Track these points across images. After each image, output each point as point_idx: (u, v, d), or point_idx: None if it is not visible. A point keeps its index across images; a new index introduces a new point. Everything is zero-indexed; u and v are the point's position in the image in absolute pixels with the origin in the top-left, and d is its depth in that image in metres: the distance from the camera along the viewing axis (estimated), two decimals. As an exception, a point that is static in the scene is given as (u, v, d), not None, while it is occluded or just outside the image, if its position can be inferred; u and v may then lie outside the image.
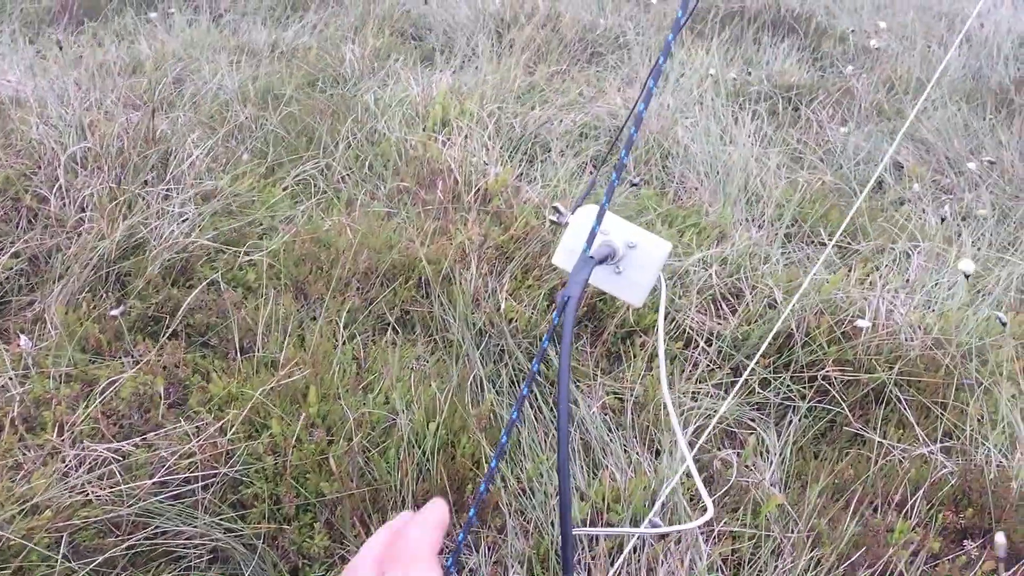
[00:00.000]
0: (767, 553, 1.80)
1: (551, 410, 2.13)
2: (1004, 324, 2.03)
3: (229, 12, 4.67)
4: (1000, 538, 1.47)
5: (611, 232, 0.72)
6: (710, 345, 2.36)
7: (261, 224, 2.59)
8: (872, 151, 3.76)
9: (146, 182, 2.60)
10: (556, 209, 0.88)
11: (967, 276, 2.19)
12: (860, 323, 2.19)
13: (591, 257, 0.65)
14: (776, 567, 1.77)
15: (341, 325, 2.22)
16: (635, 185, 2.79)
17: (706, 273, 2.56)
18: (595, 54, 4.45)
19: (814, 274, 2.51)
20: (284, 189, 2.80)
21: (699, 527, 1.85)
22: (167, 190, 2.56)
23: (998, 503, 1.89)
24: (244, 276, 2.36)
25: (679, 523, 1.81)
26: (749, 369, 2.17)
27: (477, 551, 1.81)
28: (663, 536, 1.73)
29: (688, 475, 2.00)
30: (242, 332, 2.19)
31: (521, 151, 3.20)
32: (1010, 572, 1.78)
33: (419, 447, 1.94)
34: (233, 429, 1.91)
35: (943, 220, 2.40)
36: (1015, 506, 1.90)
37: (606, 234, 0.72)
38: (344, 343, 2.21)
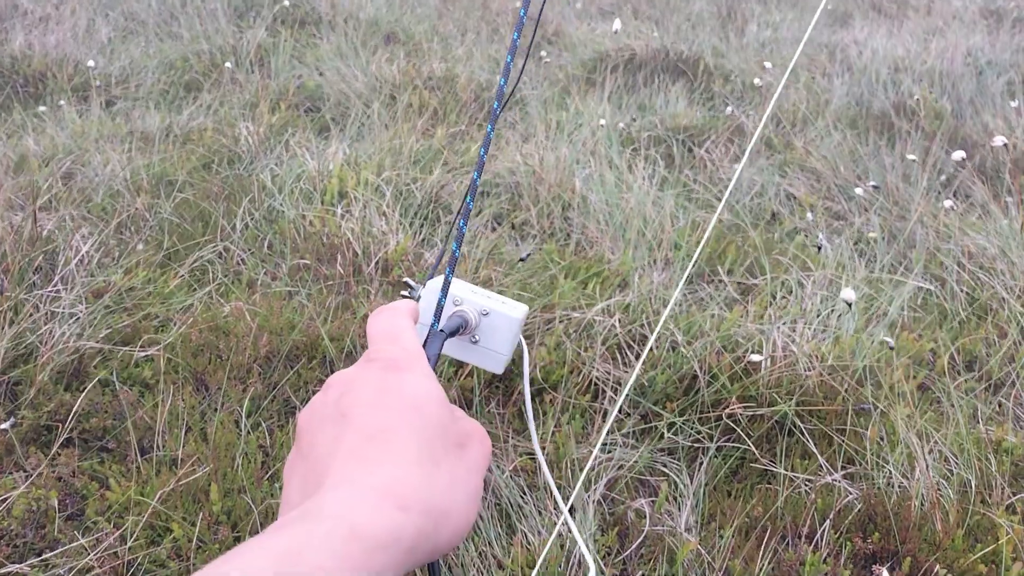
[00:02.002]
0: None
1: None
2: (892, 348, 2.11)
3: (121, 99, 4.62)
4: (883, 573, 1.51)
5: (464, 302, 0.72)
6: (617, 394, 2.38)
7: (157, 317, 2.54)
8: (765, 184, 3.89)
9: (33, 284, 2.53)
10: (407, 284, 0.88)
11: (849, 305, 2.27)
12: (754, 357, 2.25)
13: (441, 331, 0.65)
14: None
15: (243, 414, 2.18)
16: (523, 260, 2.83)
17: (609, 322, 2.60)
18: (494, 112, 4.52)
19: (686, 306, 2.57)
20: (180, 278, 2.76)
21: (615, 583, 1.85)
22: (55, 291, 2.50)
23: (901, 525, 1.94)
24: (140, 373, 2.31)
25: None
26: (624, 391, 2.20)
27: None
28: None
29: (603, 530, 2.00)
30: (140, 432, 2.13)
31: (421, 216, 3.22)
32: (918, 592, 1.83)
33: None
34: (134, 537, 1.85)
35: (819, 249, 2.49)
36: (917, 525, 1.95)
37: (459, 304, 0.72)
38: (248, 432, 2.17)
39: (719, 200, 3.74)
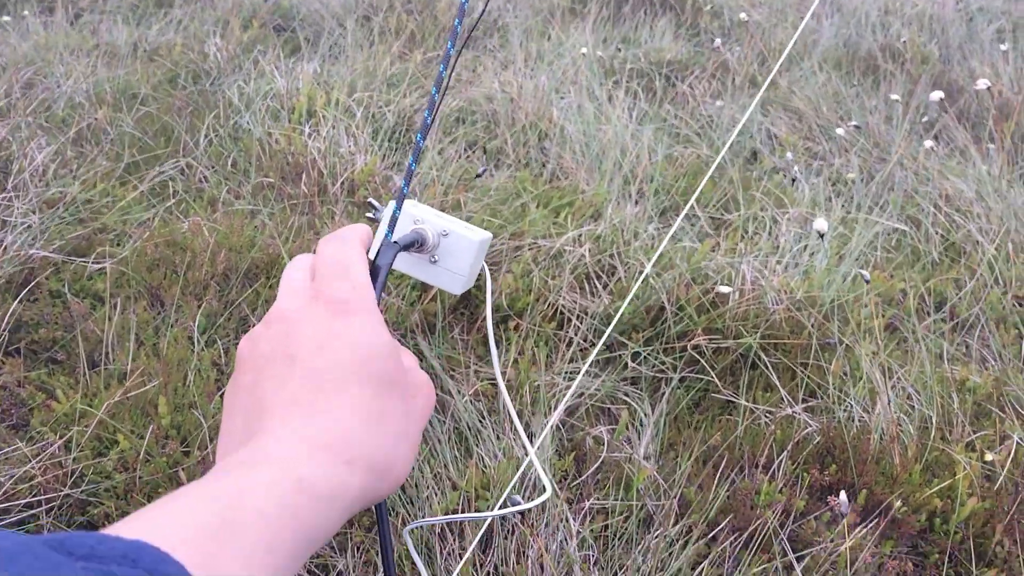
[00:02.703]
0: (634, 525, 1.80)
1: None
2: (867, 281, 2.07)
3: (88, 11, 4.45)
4: (842, 496, 1.50)
5: (425, 222, 0.70)
6: (582, 323, 2.35)
7: (113, 230, 2.46)
8: (747, 122, 3.82)
9: (-16, 193, 2.45)
10: (371, 205, 0.83)
11: (821, 235, 2.23)
12: (722, 289, 2.21)
13: (395, 243, 0.64)
14: (646, 539, 1.77)
15: (197, 330, 2.12)
16: (479, 175, 2.76)
17: (579, 251, 2.55)
18: (472, 38, 4.40)
19: (666, 242, 2.53)
20: (139, 192, 2.68)
21: (569, 506, 1.83)
22: (7, 199, 2.41)
23: (859, 458, 1.93)
24: (93, 286, 2.24)
25: (545, 505, 1.79)
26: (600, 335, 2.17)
27: (344, 553, 1.75)
28: (522, 517, 1.71)
29: (560, 455, 1.98)
30: (91, 345, 2.07)
31: (392, 139, 3.13)
32: (867, 521, 1.82)
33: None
34: (79, 447, 1.81)
35: (793, 181, 2.44)
36: (875, 459, 1.94)
37: (420, 222, 0.70)
38: (202, 349, 2.12)
39: (698, 136, 3.68)
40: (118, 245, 2.42)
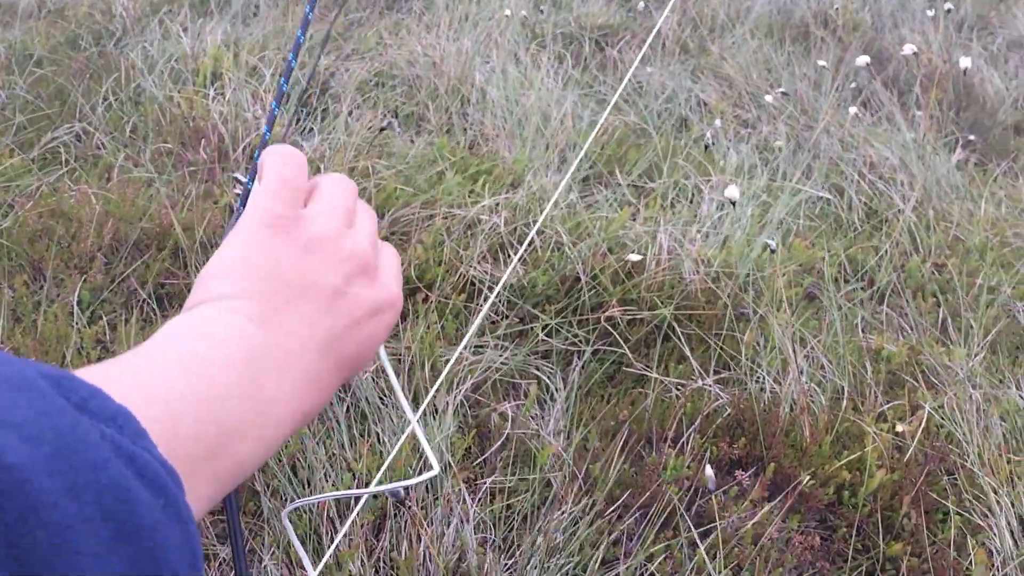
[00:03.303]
0: (535, 503, 1.73)
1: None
2: (773, 251, 2.02)
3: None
4: (708, 471, 1.45)
5: None
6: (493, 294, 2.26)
7: (-7, 200, 2.30)
8: (676, 89, 3.75)
9: None
10: (236, 180, 0.75)
11: (733, 203, 2.17)
12: (632, 257, 2.15)
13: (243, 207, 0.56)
14: (547, 517, 1.70)
15: (77, 304, 1.99)
16: (382, 130, 2.66)
17: (494, 220, 2.46)
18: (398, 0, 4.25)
19: (555, 194, 2.45)
20: (28, 160, 2.51)
21: (467, 486, 1.76)
22: None
23: (768, 430, 1.89)
24: (-33, 259, 2.09)
25: (440, 485, 1.71)
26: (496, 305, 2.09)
27: (226, 542, 1.66)
28: (413, 500, 1.63)
29: (462, 432, 1.91)
30: (-39, 322, 1.93)
31: (303, 102, 3.00)
32: (780, 498, 1.78)
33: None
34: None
35: (707, 147, 2.38)
36: (784, 431, 1.90)
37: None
38: (85, 326, 1.99)
39: (627, 103, 3.60)
40: (3, 216, 2.26)
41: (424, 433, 1.77)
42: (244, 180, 0.80)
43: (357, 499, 1.49)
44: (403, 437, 1.60)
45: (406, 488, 1.63)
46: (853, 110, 3.16)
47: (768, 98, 3.58)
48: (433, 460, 0.69)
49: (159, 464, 0.29)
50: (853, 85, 3.79)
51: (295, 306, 0.41)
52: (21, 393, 0.27)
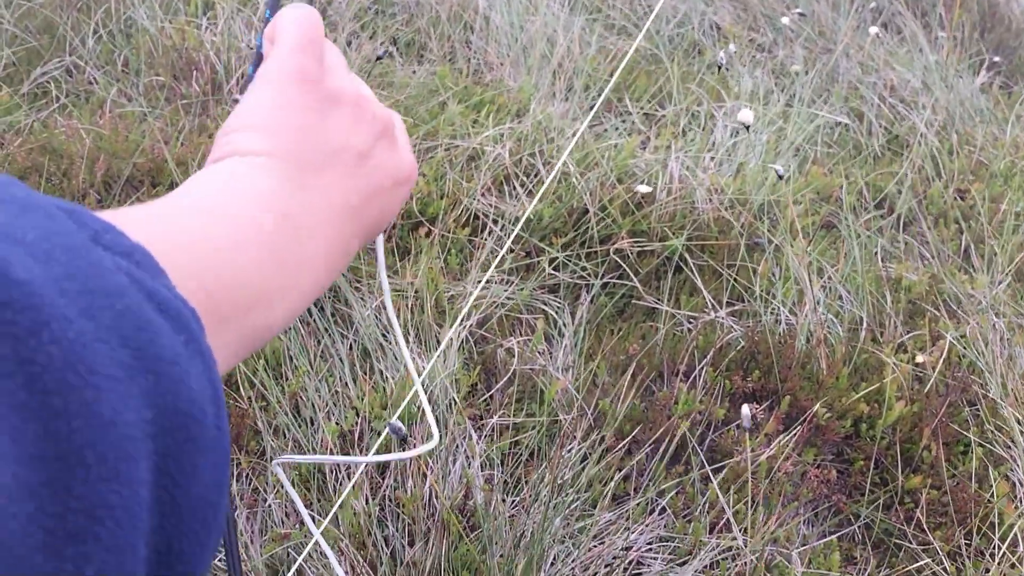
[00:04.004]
0: (543, 440, 1.69)
1: (324, 314, 1.94)
2: (780, 177, 1.94)
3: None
4: (745, 409, 1.39)
5: None
6: (500, 228, 2.19)
7: (-18, 137, 2.23)
8: (688, 12, 3.60)
9: None
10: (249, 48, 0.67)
11: (747, 128, 2.08)
12: (641, 188, 2.06)
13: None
14: (554, 453, 1.66)
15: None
16: (380, 58, 2.56)
17: (498, 151, 2.37)
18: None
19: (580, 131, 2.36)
20: (22, 96, 2.43)
21: (473, 423, 1.71)
22: None
23: (783, 363, 1.83)
24: (-45, 198, 2.03)
25: (447, 422, 1.66)
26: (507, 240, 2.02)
27: (233, 480, 1.62)
28: (407, 437, 1.58)
29: (468, 368, 1.86)
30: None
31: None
32: (792, 429, 1.73)
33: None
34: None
35: (720, 68, 2.28)
36: (800, 363, 1.84)
37: None
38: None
39: (637, 28, 3.46)
40: (-12, 153, 2.19)
41: (421, 390, 1.72)
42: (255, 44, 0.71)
43: (342, 461, 1.45)
44: (406, 400, 1.55)
45: (405, 439, 1.59)
46: (874, 30, 3.03)
47: (784, 20, 3.43)
48: (435, 428, 0.64)
49: (180, 302, 0.26)
50: (873, 5, 3.63)
51: (326, 169, 0.40)
52: (29, 212, 0.25)
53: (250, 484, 1.64)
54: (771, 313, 1.98)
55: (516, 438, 1.71)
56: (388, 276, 2.08)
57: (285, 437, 1.68)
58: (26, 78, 2.54)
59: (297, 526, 1.55)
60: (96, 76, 2.62)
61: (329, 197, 0.39)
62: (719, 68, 2.14)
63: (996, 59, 3.42)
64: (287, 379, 1.78)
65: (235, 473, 1.64)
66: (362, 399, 1.74)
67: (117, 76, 2.63)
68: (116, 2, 2.88)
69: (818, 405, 1.72)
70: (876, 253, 2.28)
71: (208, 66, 2.41)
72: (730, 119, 2.71)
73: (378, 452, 1.63)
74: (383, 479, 1.63)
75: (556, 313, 2.04)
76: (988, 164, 2.65)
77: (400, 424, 1.51)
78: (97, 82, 2.61)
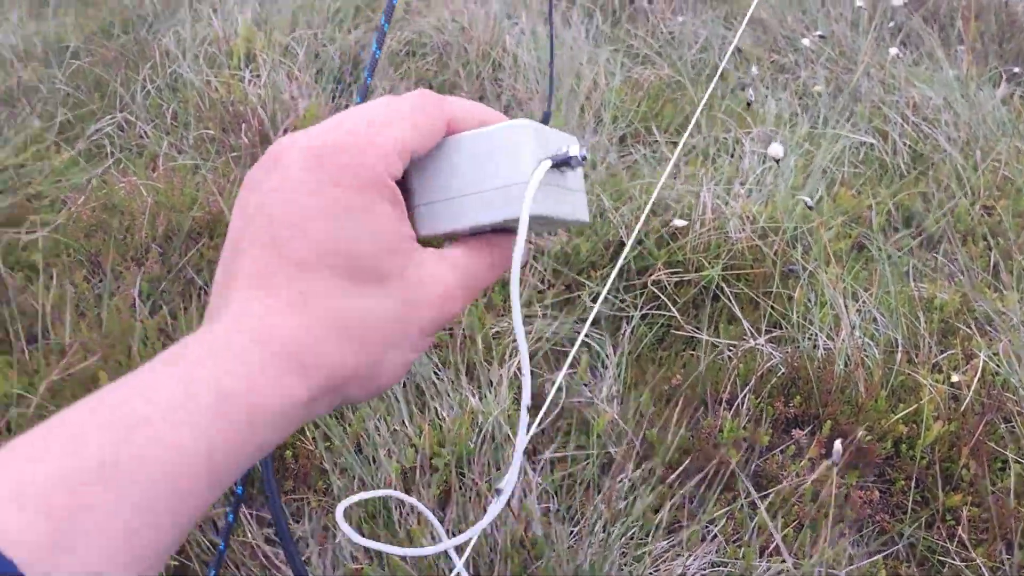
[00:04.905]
0: (595, 471, 1.77)
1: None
2: (811, 208, 2.00)
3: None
4: (837, 445, 1.47)
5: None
6: (539, 263, 2.28)
7: (47, 197, 2.36)
8: (709, 37, 3.69)
9: (-93, 165, 2.33)
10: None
11: (777, 161, 2.15)
12: (677, 223, 2.14)
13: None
14: (607, 485, 1.74)
15: (139, 296, 2.05)
16: None
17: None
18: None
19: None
20: (75, 152, 2.56)
21: (527, 458, 1.80)
22: (-69, 172, 2.30)
23: (823, 388, 1.90)
24: (28, 257, 2.15)
25: (502, 456, 1.75)
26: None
27: (300, 521, 1.72)
28: (480, 477, 1.67)
29: (516, 403, 1.94)
30: (28, 320, 2.00)
31: (336, 79, 3.01)
32: (833, 452, 1.80)
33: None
34: (20, 431, 1.75)
35: (749, 105, 2.35)
36: (839, 388, 1.91)
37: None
38: (147, 317, 2.04)
39: (659, 56, 3.55)
40: (53, 211, 2.32)
41: (507, 410, 1.81)
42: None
43: (420, 481, 1.53)
44: (481, 417, 1.63)
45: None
46: (894, 51, 3.09)
47: (805, 41, 3.51)
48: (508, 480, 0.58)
49: None
50: (891, 24, 3.69)
51: None
52: None
53: (320, 522, 1.73)
54: (809, 339, 2.05)
55: (568, 470, 1.79)
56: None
57: (351, 476, 1.78)
58: (81, 135, 2.67)
59: (368, 562, 1.63)
60: (147, 130, 2.74)
61: None
62: (748, 104, 2.22)
63: (1016, 70, 3.47)
64: (348, 420, 1.87)
65: (305, 512, 1.73)
66: (420, 436, 1.83)
67: (167, 129, 2.75)
68: (161, 57, 3.01)
69: (860, 430, 1.79)
70: (907, 273, 2.34)
71: (255, 118, 2.52)
72: (757, 145, 2.79)
73: (440, 490, 1.72)
74: (444, 512, 1.71)
75: (598, 345, 2.12)
76: (1013, 179, 2.70)
77: (502, 487, 1.59)
78: (148, 136, 2.73)
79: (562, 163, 0.43)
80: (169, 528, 0.31)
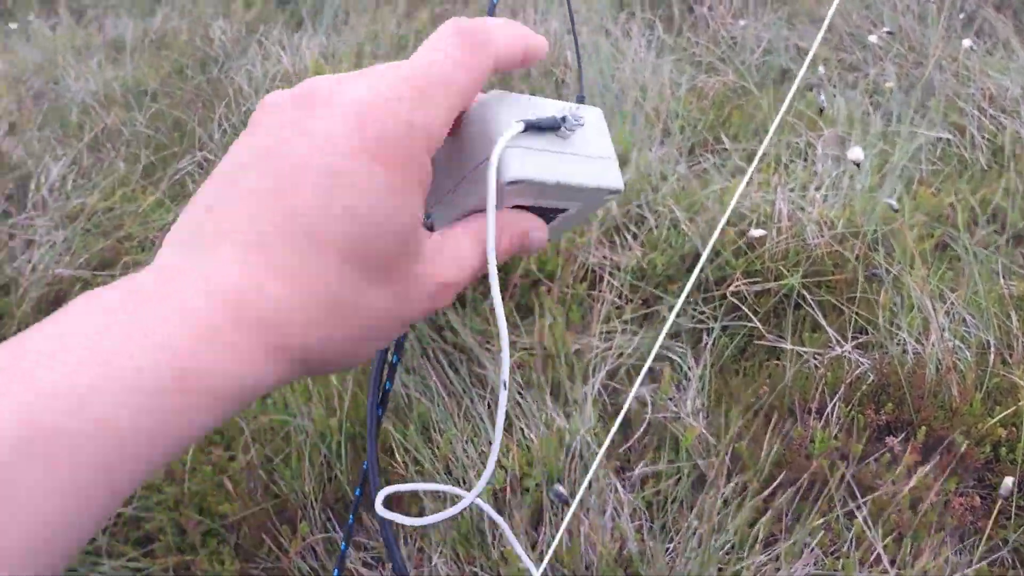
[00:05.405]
0: (687, 487, 1.76)
1: (459, 376, 2.06)
2: (896, 210, 1.97)
3: (91, 7, 4.41)
4: (1007, 482, 1.45)
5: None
6: (615, 279, 2.28)
7: (137, 238, 2.45)
8: (772, 40, 3.65)
9: (6, 213, 2.45)
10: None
11: (858, 165, 2.12)
12: (754, 232, 2.12)
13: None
14: (699, 501, 1.73)
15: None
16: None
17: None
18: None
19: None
20: (160, 193, 2.66)
21: (617, 475, 1.80)
22: (29, 218, 2.41)
23: (915, 393, 1.86)
24: (123, 297, 2.24)
25: (587, 474, 1.75)
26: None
27: (400, 543, 1.75)
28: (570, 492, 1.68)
29: (603, 422, 1.94)
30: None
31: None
32: (934, 461, 1.76)
33: (324, 446, 1.86)
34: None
35: (821, 111, 2.32)
36: (932, 392, 1.86)
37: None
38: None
39: (723, 62, 3.53)
40: (142, 251, 2.41)
41: (592, 429, 1.81)
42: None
43: (512, 501, 1.55)
44: (567, 435, 1.65)
45: (567, 502, 1.68)
46: (967, 43, 3.01)
47: (872, 38, 3.44)
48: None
49: None
50: (962, 16, 3.60)
51: None
52: None
53: (416, 545, 1.76)
54: (897, 344, 2.01)
55: (658, 487, 1.79)
56: (514, 336, 2.19)
57: (442, 499, 1.80)
58: (164, 176, 2.77)
59: (464, 584, 1.65)
60: (225, 167, 2.83)
61: None
62: (820, 111, 2.19)
63: (1097, 53, 3.35)
64: (436, 443, 1.90)
65: (401, 535, 1.76)
66: (508, 456, 1.84)
67: (244, 165, 2.84)
68: (234, 95, 3.11)
69: (956, 435, 1.75)
70: (996, 271, 2.28)
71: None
72: (830, 147, 2.74)
73: (533, 511, 1.73)
74: (538, 533, 1.72)
75: (680, 358, 2.12)
76: (1102, 167, 2.61)
77: (562, 489, 1.61)
78: (227, 172, 2.82)
79: (547, 127, 0.39)
80: (103, 497, 0.28)
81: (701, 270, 2.27)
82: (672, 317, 0.99)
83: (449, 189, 0.42)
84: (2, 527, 0.25)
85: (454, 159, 0.41)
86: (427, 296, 0.37)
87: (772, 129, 0.82)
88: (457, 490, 0.50)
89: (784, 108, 0.74)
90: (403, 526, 1.76)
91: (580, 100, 0.45)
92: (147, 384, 0.28)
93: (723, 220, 0.92)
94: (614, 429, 0.92)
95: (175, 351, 0.29)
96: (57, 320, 0.29)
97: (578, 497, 1.03)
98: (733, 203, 0.93)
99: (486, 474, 0.39)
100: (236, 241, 0.32)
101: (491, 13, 0.46)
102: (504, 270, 2.33)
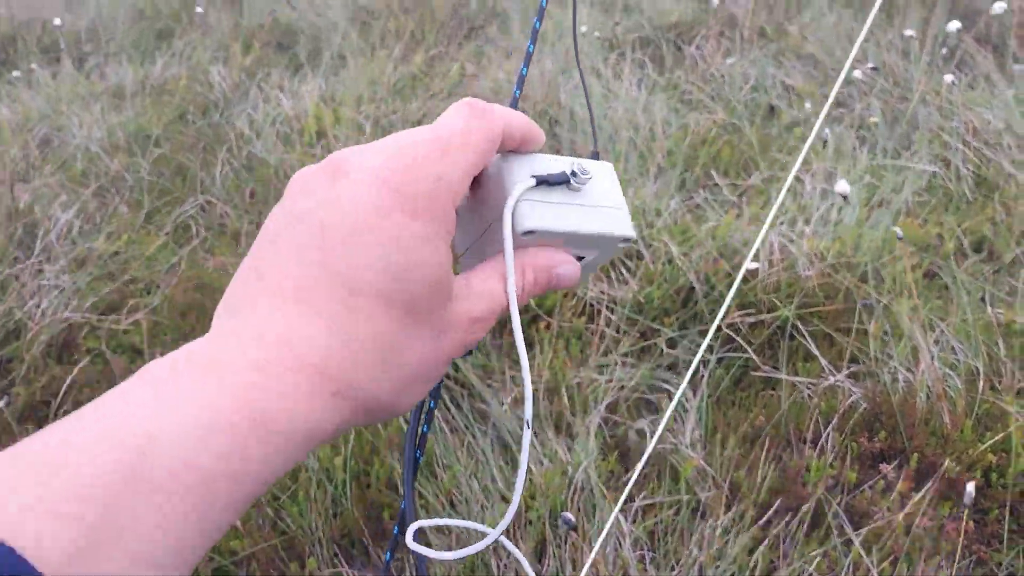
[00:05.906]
0: (686, 517, 1.80)
1: (461, 411, 2.10)
2: (900, 238, 2.02)
3: (92, 55, 4.50)
4: (969, 487, 1.49)
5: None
6: (613, 313, 2.34)
7: (141, 281, 2.50)
8: (759, 77, 3.74)
9: (15, 259, 2.50)
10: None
11: (845, 198, 2.18)
12: (750, 265, 2.18)
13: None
14: (699, 530, 1.76)
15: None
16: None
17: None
18: (473, 29, 4.36)
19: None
20: (165, 236, 2.71)
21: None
22: (38, 263, 2.46)
23: (907, 421, 1.90)
24: (129, 339, 2.29)
25: (595, 508, 1.79)
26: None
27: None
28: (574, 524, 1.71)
29: (604, 455, 1.98)
30: (135, 399, 2.12)
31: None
32: (927, 487, 1.80)
33: (330, 483, 1.90)
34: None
35: (824, 144, 2.39)
36: (924, 420, 1.91)
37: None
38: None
39: (712, 100, 3.61)
40: (149, 294, 2.46)
41: (595, 460, 1.85)
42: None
43: (517, 534, 1.58)
44: (570, 469, 1.68)
45: (576, 528, 1.71)
46: (949, 78, 3.10)
47: (857, 74, 3.53)
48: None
49: None
50: (944, 50, 3.70)
51: None
52: None
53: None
54: (888, 372, 2.06)
55: (659, 516, 1.82)
56: (514, 371, 2.24)
57: (447, 533, 1.83)
58: (167, 219, 2.83)
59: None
60: (227, 210, 2.89)
61: None
62: (824, 143, 2.26)
63: (1076, 85, 3.44)
64: (440, 478, 1.94)
65: (406, 570, 1.79)
66: (511, 488, 1.88)
67: (246, 208, 2.90)
68: (235, 139, 3.18)
69: (948, 461, 1.79)
70: (983, 299, 2.34)
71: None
72: (819, 180, 2.82)
73: (537, 542, 1.76)
74: (542, 564, 1.76)
75: (676, 390, 2.16)
76: (1083, 197, 2.68)
77: (570, 516, 1.64)
78: (229, 215, 2.88)
79: (557, 181, 0.44)
80: (197, 535, 0.30)
81: (695, 303, 2.32)
82: (700, 354, 1.04)
83: (473, 240, 0.47)
84: (108, 555, 0.27)
85: (476, 214, 0.46)
86: (462, 331, 0.40)
87: (788, 179, 0.87)
88: (481, 527, 0.53)
89: (798, 163, 0.80)
90: (409, 559, 1.79)
91: (595, 156, 0.50)
92: (224, 425, 0.31)
93: (749, 256, 0.98)
94: (634, 476, 0.96)
95: (245, 397, 0.32)
96: (124, 388, 0.32)
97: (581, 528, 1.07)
98: (759, 241, 0.98)
99: (510, 511, 0.43)
100: (280, 297, 0.35)
101: (514, 106, 0.52)
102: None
